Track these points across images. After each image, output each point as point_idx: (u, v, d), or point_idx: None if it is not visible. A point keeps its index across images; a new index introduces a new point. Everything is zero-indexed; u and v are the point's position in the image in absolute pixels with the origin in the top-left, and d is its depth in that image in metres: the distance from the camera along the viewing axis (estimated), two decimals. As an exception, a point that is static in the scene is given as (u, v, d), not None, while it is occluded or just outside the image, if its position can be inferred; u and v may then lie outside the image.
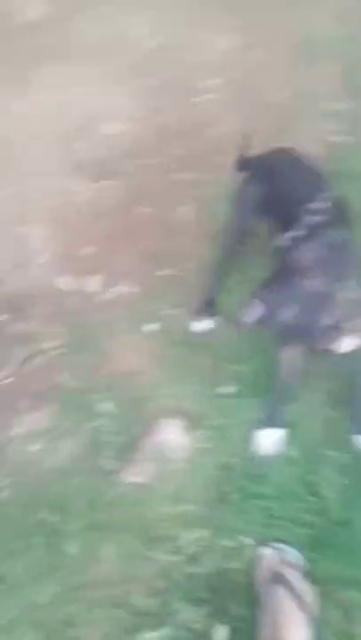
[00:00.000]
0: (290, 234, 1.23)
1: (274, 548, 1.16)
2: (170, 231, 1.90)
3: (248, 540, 1.24)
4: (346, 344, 1.11)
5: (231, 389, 1.47)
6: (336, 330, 1.09)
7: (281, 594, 1.07)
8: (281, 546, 1.17)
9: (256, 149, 1.65)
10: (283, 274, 1.17)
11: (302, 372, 1.38)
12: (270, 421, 1.36)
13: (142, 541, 1.25)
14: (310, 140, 2.03)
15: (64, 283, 1.81)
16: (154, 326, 1.65)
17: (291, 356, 1.34)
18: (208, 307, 1.61)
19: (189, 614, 1.16)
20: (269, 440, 1.34)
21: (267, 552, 1.16)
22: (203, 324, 1.60)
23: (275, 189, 1.44)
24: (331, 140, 2.09)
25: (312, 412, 1.40)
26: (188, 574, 1.21)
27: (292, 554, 1.15)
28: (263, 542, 1.19)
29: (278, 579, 1.09)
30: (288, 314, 1.11)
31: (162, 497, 1.31)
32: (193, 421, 1.42)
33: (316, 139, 2.05)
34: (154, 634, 1.12)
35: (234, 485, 1.31)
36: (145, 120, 2.30)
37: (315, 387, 1.42)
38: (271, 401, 1.38)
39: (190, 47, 2.55)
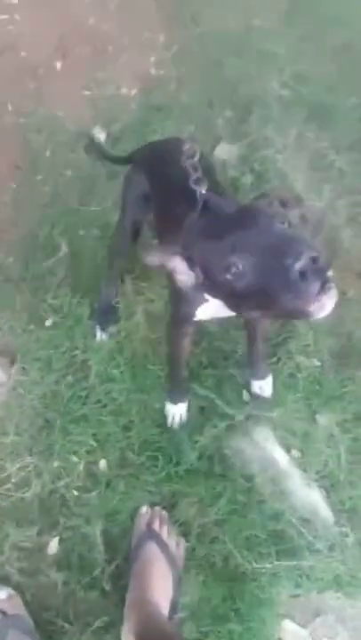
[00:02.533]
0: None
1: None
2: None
3: (75, 459, 1.31)
4: (328, 305, 0.74)
5: (49, 322, 1.48)
6: (318, 278, 0.73)
7: (152, 548, 1.17)
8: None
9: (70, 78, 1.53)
10: (216, 223, 0.87)
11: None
12: (173, 399, 1.34)
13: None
14: (129, 71, 2.03)
15: None
16: None
17: (186, 339, 1.21)
18: (108, 315, 1.47)
19: (19, 535, 1.20)
20: (177, 410, 1.34)
21: (144, 510, 1.24)
22: (107, 333, 1.47)
23: (159, 177, 1.21)
24: (151, 73, 2.10)
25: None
26: (18, 499, 1.25)
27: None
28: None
29: (151, 534, 1.18)
30: (240, 266, 0.78)
31: (-17, 432, 1.30)
32: (12, 357, 1.41)
33: (136, 71, 2.04)
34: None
35: (58, 411, 1.35)
36: None
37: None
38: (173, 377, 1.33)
39: None
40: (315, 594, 1.21)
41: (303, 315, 0.76)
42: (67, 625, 1.14)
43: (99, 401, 1.37)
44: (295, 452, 1.34)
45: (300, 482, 1.30)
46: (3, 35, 2.11)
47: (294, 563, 1.21)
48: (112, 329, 1.47)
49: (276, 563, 1.20)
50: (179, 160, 0.98)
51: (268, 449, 1.33)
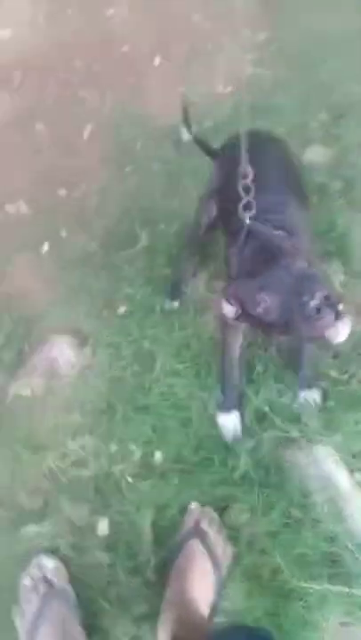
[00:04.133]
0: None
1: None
2: (68, 151, 1.84)
3: (132, 446, 1.33)
4: (343, 331, 0.90)
5: (122, 310, 1.51)
6: (330, 311, 0.89)
7: (196, 545, 1.16)
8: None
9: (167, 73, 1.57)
10: (250, 262, 1.03)
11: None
12: (224, 406, 1.35)
13: (30, 449, 1.30)
14: (225, 68, 2.03)
15: None
16: (48, 247, 1.63)
17: (238, 336, 1.29)
18: (175, 289, 1.54)
19: (73, 511, 1.24)
20: (230, 422, 1.34)
21: (193, 506, 1.23)
22: (172, 304, 1.54)
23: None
24: (247, 71, 2.08)
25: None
26: (74, 477, 1.29)
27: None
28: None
29: (198, 532, 1.18)
30: (267, 304, 0.95)
31: (50, 409, 1.35)
32: (83, 339, 1.46)
33: (233, 68, 2.04)
34: (36, 527, 1.19)
35: (122, 398, 1.38)
36: (47, 28, 2.15)
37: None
38: (224, 383, 1.36)
39: None
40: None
41: (322, 340, 0.91)
42: (107, 606, 1.16)
43: (161, 393, 1.38)
44: (358, 476, 1.28)
45: (359, 506, 1.24)
46: (107, 29, 2.18)
47: (346, 590, 1.15)
48: (175, 303, 1.52)
49: (326, 585, 1.15)
50: (261, 155, 1.09)
51: (329, 468, 1.28)
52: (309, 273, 0.94)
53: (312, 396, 1.37)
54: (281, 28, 2.21)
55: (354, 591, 1.15)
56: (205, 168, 1.57)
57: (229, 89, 1.98)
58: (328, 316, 0.88)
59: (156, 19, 2.22)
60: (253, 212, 1.05)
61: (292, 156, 1.41)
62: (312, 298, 0.88)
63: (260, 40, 2.17)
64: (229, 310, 1.04)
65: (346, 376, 1.42)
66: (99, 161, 1.82)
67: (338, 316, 0.88)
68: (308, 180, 1.77)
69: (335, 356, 1.40)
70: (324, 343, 0.96)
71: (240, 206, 1.05)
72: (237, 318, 1.04)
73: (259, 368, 1.41)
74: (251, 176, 1.03)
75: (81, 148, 1.86)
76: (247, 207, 1.05)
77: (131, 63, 2.08)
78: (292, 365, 1.40)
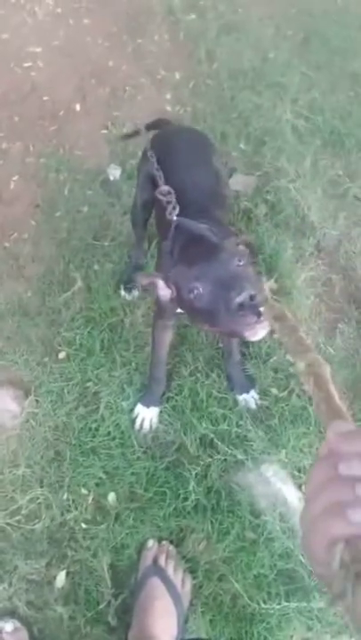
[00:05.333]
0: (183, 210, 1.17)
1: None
2: (-3, 202, 1.86)
3: (84, 491, 1.32)
4: (260, 332, 0.93)
5: (63, 354, 1.52)
6: (251, 311, 0.91)
7: (156, 583, 1.17)
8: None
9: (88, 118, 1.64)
10: (187, 248, 1.10)
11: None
12: (147, 401, 1.42)
13: (-21, 509, 1.28)
14: (145, 109, 2.11)
15: None
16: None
17: (167, 332, 1.37)
18: (132, 280, 1.64)
19: (28, 567, 1.22)
20: (146, 415, 1.42)
21: (150, 544, 1.25)
22: (131, 294, 1.64)
23: (168, 166, 1.34)
24: (168, 110, 2.18)
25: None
26: (26, 531, 1.27)
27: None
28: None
29: (157, 569, 1.19)
30: (200, 291, 0.99)
31: (-4, 464, 1.34)
32: (26, 389, 1.46)
33: (152, 108, 2.12)
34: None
35: (69, 443, 1.38)
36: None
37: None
38: (150, 374, 1.43)
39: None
40: (328, 638, 1.18)
41: (239, 335, 0.96)
42: (73, 660, 1.14)
43: (108, 433, 1.39)
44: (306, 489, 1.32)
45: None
46: (26, 81, 2.24)
47: (304, 604, 1.17)
48: (135, 292, 1.63)
49: (285, 603, 1.17)
50: (187, 150, 1.37)
51: (277, 486, 1.31)
52: (242, 271, 0.99)
53: (251, 397, 1.45)
54: (195, 67, 2.33)
55: (313, 605, 1.17)
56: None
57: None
58: (249, 314, 0.92)
59: (73, 66, 2.30)
60: (177, 211, 1.17)
61: (215, 151, 1.52)
62: (239, 294, 0.92)
63: (175, 80, 2.28)
64: (165, 293, 1.09)
65: (285, 392, 1.48)
66: (28, 209, 1.85)
67: (258, 317, 0.91)
68: (234, 206, 1.86)
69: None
70: (241, 340, 1.08)
71: (167, 213, 1.17)
72: (171, 302, 1.10)
73: (202, 395, 1.45)
74: (166, 189, 1.19)
75: (9, 198, 1.88)
76: (171, 214, 1.17)
77: (52, 111, 2.13)
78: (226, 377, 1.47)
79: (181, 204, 1.19)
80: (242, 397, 1.45)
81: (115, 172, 1.93)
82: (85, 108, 2.15)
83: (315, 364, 0.64)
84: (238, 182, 1.97)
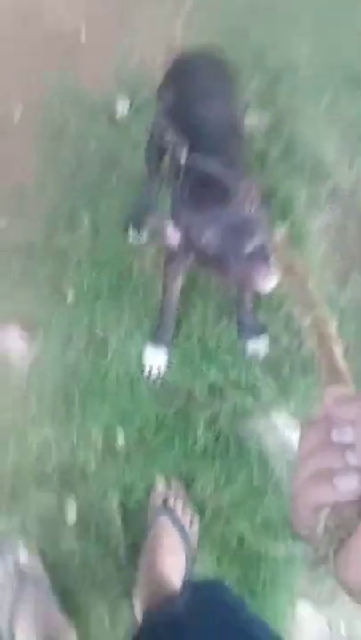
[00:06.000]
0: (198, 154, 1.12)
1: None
2: (-1, 135, 1.75)
3: (94, 433, 1.33)
4: (269, 282, 0.90)
5: (71, 296, 1.48)
6: (261, 260, 0.89)
7: (165, 522, 1.19)
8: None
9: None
10: (198, 190, 1.05)
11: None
12: (158, 340, 1.40)
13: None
14: (155, 39, 1.95)
15: None
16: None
17: (177, 279, 1.33)
18: (142, 217, 1.54)
19: (41, 504, 1.24)
20: (156, 356, 1.39)
21: (160, 485, 1.26)
22: (140, 236, 1.56)
23: (183, 97, 1.28)
24: (178, 39, 2.00)
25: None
26: (38, 469, 1.29)
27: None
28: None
29: (166, 509, 1.20)
30: (209, 237, 0.96)
31: (6, 403, 1.33)
32: (34, 329, 1.43)
33: (161, 39, 1.95)
34: (5, 521, 1.19)
35: (78, 385, 1.37)
36: None
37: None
38: (160, 320, 1.40)
39: None
40: (332, 581, 1.22)
41: (248, 285, 0.94)
42: (83, 590, 1.18)
43: (117, 378, 1.38)
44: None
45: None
46: (28, 2, 2.05)
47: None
48: (144, 234, 1.54)
49: (290, 547, 1.21)
50: (205, 78, 1.29)
51: (286, 433, 1.32)
52: (253, 219, 0.96)
53: (259, 344, 1.43)
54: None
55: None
56: (143, 142, 1.54)
57: (159, 60, 1.92)
58: (258, 264, 0.90)
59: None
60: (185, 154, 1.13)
61: (233, 82, 1.43)
62: (248, 243, 0.91)
63: (187, 6, 2.10)
64: (174, 237, 1.05)
65: (297, 342, 1.46)
66: (32, 144, 1.74)
67: (268, 266, 0.89)
68: (249, 148, 1.77)
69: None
70: (250, 289, 1.06)
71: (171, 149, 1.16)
72: (180, 248, 1.07)
73: (212, 342, 1.43)
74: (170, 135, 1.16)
75: (13, 131, 1.77)
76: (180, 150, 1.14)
77: (57, 39, 1.97)
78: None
79: (196, 139, 1.14)
80: (252, 344, 1.43)
81: (123, 105, 1.81)
82: (91, 37, 1.99)
83: (320, 321, 0.61)
84: (252, 118, 1.87)
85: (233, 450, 1.30)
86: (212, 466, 1.29)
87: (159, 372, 1.40)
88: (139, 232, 1.55)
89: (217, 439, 1.32)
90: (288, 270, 0.73)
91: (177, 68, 1.38)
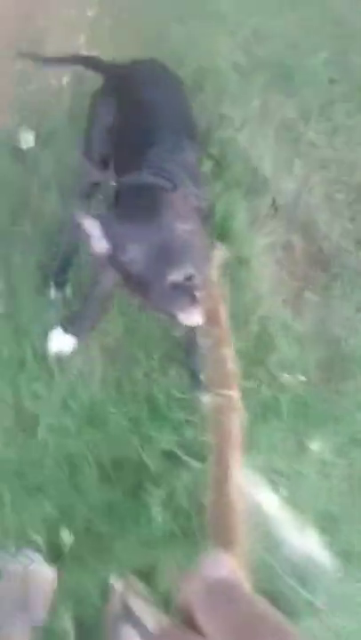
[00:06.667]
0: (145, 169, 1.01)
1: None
2: None
3: (33, 534, 1.13)
4: (194, 317, 0.79)
5: None
6: (185, 294, 0.78)
7: (129, 633, 1.00)
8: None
9: None
10: (131, 198, 0.96)
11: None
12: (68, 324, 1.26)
13: None
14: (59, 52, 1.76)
15: None
16: None
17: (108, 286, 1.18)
18: (65, 269, 1.38)
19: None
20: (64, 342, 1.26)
21: (116, 584, 1.06)
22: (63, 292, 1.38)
23: (128, 108, 1.16)
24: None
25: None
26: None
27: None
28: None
29: (127, 614, 1.02)
30: (134, 254, 0.84)
31: None
32: None
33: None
34: None
35: (8, 482, 1.17)
36: None
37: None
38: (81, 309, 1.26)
39: None
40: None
41: (170, 317, 0.82)
42: None
43: (55, 462, 1.19)
44: (283, 491, 1.17)
45: (290, 527, 1.13)
46: None
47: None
48: (67, 289, 1.35)
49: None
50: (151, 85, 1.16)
51: (250, 492, 1.15)
52: (185, 239, 0.83)
53: None
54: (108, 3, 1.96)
55: (301, 623, 1.05)
56: (63, 176, 1.35)
57: (65, 80, 1.73)
58: (181, 297, 0.79)
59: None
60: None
61: (186, 91, 1.31)
62: (173, 270, 0.79)
63: (89, 17, 1.91)
64: (101, 247, 0.90)
65: (254, 383, 1.30)
66: None
67: (193, 300, 0.78)
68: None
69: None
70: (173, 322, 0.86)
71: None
72: (108, 259, 0.92)
73: (161, 399, 1.26)
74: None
75: None
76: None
77: None
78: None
79: (152, 143, 1.04)
80: (205, 398, 1.25)
81: (27, 138, 1.61)
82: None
83: (224, 408, 0.56)
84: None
85: (195, 525, 1.13)
86: (173, 548, 1.11)
87: (62, 356, 1.26)
88: (61, 287, 1.36)
89: (176, 516, 1.14)
90: (211, 317, 0.67)
91: (117, 78, 1.25)
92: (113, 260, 0.89)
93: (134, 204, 0.91)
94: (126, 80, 1.22)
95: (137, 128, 1.11)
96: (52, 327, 1.25)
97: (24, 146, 1.60)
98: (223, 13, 1.94)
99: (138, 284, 0.86)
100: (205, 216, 1.08)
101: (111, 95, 1.20)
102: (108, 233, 0.88)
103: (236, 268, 1.42)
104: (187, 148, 1.09)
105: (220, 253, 0.90)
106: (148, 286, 0.83)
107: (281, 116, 1.80)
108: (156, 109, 1.13)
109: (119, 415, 1.25)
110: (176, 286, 0.79)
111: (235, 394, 0.57)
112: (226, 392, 0.58)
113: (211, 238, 1.40)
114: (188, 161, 1.09)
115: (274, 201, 1.64)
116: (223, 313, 0.73)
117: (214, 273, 0.81)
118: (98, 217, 0.90)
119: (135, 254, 0.83)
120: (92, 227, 0.89)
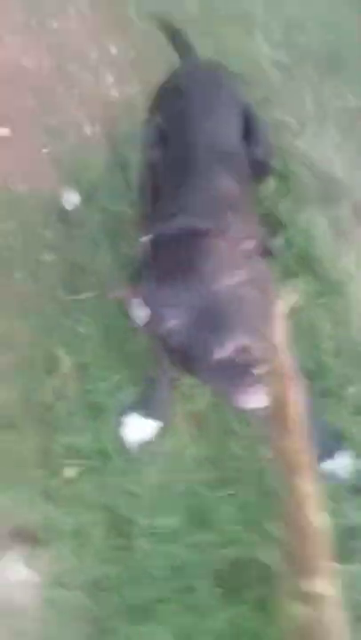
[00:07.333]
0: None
1: None
2: None
3: None
4: (253, 400, 0.65)
5: (71, 472, 1.12)
6: (239, 372, 0.64)
7: None
8: None
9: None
10: (165, 252, 0.80)
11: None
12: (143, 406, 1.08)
13: None
14: (87, 104, 1.63)
15: None
16: None
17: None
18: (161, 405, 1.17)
19: None
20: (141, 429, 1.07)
21: None
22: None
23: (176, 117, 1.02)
24: (115, 96, 1.68)
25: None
26: None
27: None
28: None
29: None
30: (173, 323, 0.70)
31: None
32: (32, 538, 1.06)
33: (95, 100, 1.64)
34: None
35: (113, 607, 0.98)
36: None
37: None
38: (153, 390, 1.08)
39: None
40: None
41: (225, 398, 0.69)
42: None
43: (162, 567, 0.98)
44: None
45: None
46: None
47: None
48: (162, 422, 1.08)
49: None
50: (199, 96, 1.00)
51: None
52: (228, 302, 0.65)
53: (338, 464, 1.00)
54: (127, 31, 1.81)
55: None
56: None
57: (98, 128, 1.60)
58: (235, 376, 0.63)
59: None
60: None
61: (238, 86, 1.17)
62: (219, 345, 0.62)
63: (113, 54, 1.78)
64: (139, 316, 0.75)
65: None
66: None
67: (250, 379, 0.61)
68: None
69: None
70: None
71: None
72: (148, 326, 0.77)
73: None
74: None
75: None
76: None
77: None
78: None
79: (192, 169, 0.87)
80: (326, 466, 1.00)
81: (72, 198, 1.49)
82: (14, 129, 1.69)
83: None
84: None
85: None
86: None
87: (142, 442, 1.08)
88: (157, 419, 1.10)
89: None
90: (277, 405, 0.52)
91: (166, 92, 1.13)
92: (150, 330, 0.75)
93: (171, 259, 0.75)
94: (175, 90, 1.10)
95: (174, 153, 0.95)
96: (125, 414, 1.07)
97: (69, 207, 1.47)
98: (252, 13, 1.75)
99: (182, 359, 0.70)
100: (267, 253, 0.84)
101: (153, 112, 1.08)
102: (146, 298, 0.73)
103: (331, 297, 1.17)
104: (222, 174, 0.90)
105: (290, 299, 0.67)
106: (194, 362, 0.67)
107: (340, 107, 1.56)
108: (194, 125, 0.96)
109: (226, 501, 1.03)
110: (227, 363, 0.63)
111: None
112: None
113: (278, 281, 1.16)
114: (229, 190, 0.88)
115: (356, 204, 1.40)
116: (294, 394, 0.54)
117: (281, 332, 0.59)
118: (138, 293, 0.75)
119: (174, 323, 0.68)
120: (127, 297, 0.76)
